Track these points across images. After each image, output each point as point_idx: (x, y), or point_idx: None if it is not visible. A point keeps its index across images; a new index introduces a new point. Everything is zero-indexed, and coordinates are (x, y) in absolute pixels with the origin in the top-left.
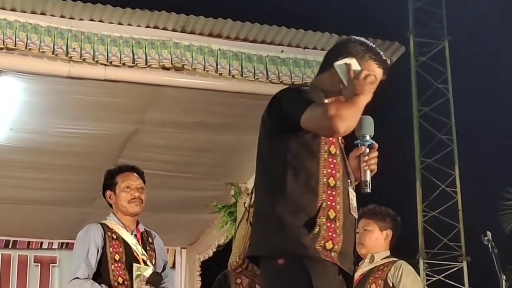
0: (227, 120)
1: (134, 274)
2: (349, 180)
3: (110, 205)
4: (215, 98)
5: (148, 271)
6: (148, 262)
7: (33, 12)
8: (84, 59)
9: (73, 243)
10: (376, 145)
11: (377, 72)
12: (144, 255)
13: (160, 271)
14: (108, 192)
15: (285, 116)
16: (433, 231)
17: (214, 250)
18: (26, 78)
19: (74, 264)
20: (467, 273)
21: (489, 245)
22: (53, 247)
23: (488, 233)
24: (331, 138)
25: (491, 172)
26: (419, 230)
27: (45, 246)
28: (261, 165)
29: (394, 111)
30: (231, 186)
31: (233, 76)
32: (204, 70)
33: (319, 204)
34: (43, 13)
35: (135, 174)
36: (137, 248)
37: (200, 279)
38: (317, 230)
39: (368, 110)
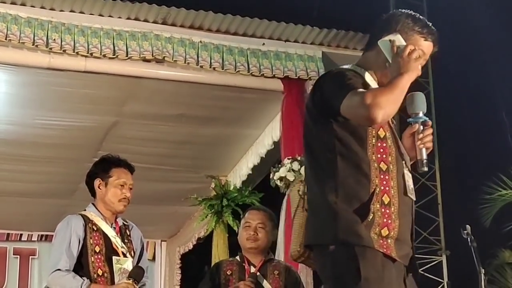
0: (207, 113)
1: (115, 267)
2: (403, 161)
3: (93, 193)
4: (196, 91)
5: (127, 263)
6: (128, 254)
7: (13, 3)
8: (64, 51)
9: (53, 235)
10: (430, 122)
11: (425, 46)
12: (123, 247)
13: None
14: (98, 181)
15: (327, 103)
16: None
17: (194, 242)
18: (6, 70)
19: (55, 256)
20: (446, 267)
21: (468, 238)
22: (32, 239)
23: (468, 226)
24: None
25: (471, 166)
26: None
27: (24, 238)
28: (309, 152)
29: None
30: (211, 178)
31: (214, 68)
32: (185, 63)
33: (373, 190)
34: (23, 4)
35: (130, 172)
36: (116, 241)
37: (180, 271)
38: (371, 217)
39: None
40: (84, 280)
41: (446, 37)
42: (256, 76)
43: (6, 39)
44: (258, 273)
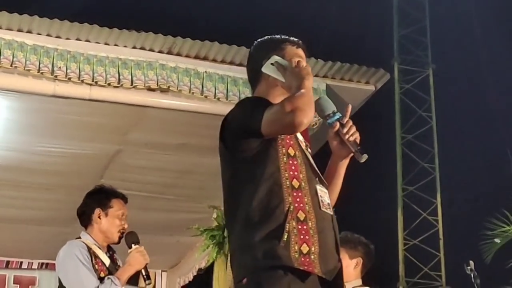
0: (211, 143)
1: None
2: (316, 178)
3: (86, 223)
4: (200, 120)
5: None
6: None
7: (19, 30)
8: (69, 78)
9: (54, 264)
10: (346, 116)
11: (300, 53)
12: None
13: None
14: (98, 211)
15: (242, 132)
16: (414, 260)
17: (195, 273)
18: (11, 96)
19: (80, 281)
20: None
21: (472, 274)
22: (33, 267)
23: (471, 262)
24: (288, 141)
25: (473, 201)
26: (400, 258)
27: (24, 266)
28: (225, 195)
29: (377, 138)
30: (213, 209)
31: (218, 99)
32: (189, 92)
33: (287, 208)
34: (29, 31)
35: (125, 203)
36: (113, 270)
37: None
38: (286, 236)
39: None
40: (109, 278)
41: (449, 72)
42: None
43: (11, 65)
44: None
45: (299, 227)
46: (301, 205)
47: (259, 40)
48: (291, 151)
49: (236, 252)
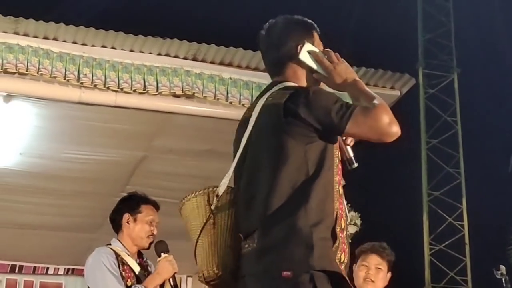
0: None
1: None
2: None
3: (117, 229)
4: (225, 126)
5: None
6: None
7: (45, 38)
8: (95, 85)
9: (79, 269)
10: None
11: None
12: None
13: None
14: (127, 216)
15: (320, 123)
16: (439, 265)
17: None
18: (37, 103)
19: None
20: None
21: (503, 279)
22: (59, 273)
23: (502, 266)
24: (336, 143)
25: (499, 206)
26: (425, 263)
27: (51, 271)
28: (267, 173)
29: (402, 143)
30: None
31: (243, 105)
32: (214, 98)
33: (335, 213)
34: (55, 39)
35: (156, 210)
36: (142, 277)
37: None
38: (338, 242)
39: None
40: (136, 287)
41: (474, 76)
42: None
43: (38, 73)
44: None
45: (341, 235)
46: (341, 212)
47: (287, 19)
48: (339, 155)
49: (284, 241)
